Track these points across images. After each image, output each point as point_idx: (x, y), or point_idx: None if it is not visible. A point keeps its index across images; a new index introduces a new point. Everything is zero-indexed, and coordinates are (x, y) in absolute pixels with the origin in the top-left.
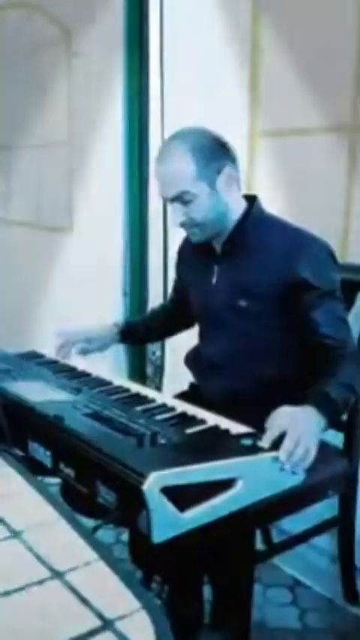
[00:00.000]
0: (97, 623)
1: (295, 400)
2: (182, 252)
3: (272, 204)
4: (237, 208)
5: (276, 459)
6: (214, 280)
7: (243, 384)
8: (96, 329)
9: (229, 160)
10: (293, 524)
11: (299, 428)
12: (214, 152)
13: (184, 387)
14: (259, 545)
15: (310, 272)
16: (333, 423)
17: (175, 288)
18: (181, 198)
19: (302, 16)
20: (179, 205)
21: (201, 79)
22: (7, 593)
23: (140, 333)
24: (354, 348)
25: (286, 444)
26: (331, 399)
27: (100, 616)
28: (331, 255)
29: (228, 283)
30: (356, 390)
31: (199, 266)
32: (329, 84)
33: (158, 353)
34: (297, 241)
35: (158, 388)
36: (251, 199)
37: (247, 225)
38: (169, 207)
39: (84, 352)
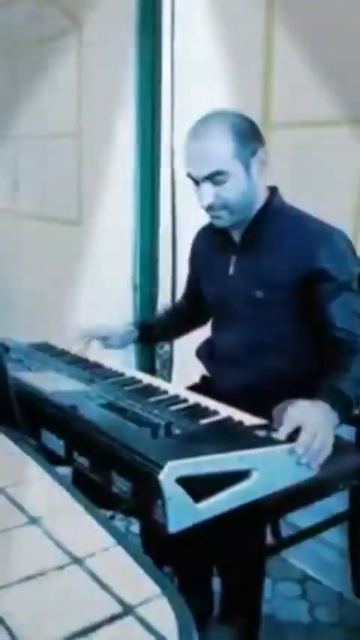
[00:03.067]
0: (118, 608)
1: (309, 393)
2: (196, 245)
3: (285, 196)
4: (262, 196)
5: (292, 451)
6: (230, 270)
7: (257, 376)
8: (115, 327)
9: (262, 144)
10: (303, 518)
11: (315, 422)
12: (251, 133)
13: (193, 380)
14: (269, 538)
15: (329, 263)
16: (346, 418)
17: (190, 285)
18: (214, 178)
19: (318, 6)
20: (210, 185)
21: (214, 68)
22: (27, 578)
23: (157, 334)
24: None
25: (304, 437)
26: (345, 395)
27: (120, 601)
28: (350, 247)
29: (245, 273)
30: None
31: (215, 257)
32: (345, 75)
33: (167, 347)
34: (317, 232)
35: (167, 382)
36: (272, 190)
37: (268, 215)
38: (197, 188)
39: (101, 348)
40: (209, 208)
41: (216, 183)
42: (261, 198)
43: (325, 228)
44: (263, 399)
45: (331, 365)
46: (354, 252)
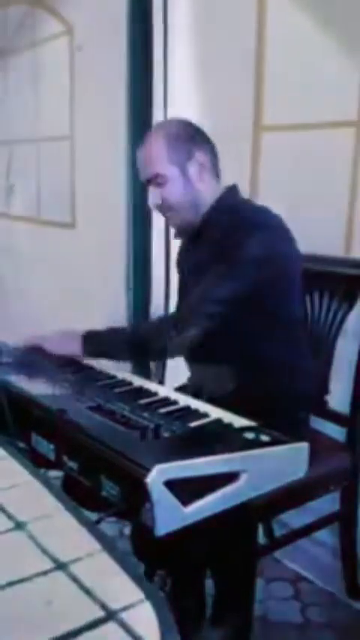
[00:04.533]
0: (100, 613)
1: (290, 380)
2: (179, 252)
3: (276, 199)
4: (209, 198)
5: (278, 452)
6: (187, 273)
7: (238, 369)
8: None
9: (202, 149)
10: (295, 518)
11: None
12: (185, 137)
13: (186, 380)
14: (261, 539)
15: (236, 240)
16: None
17: (179, 293)
18: (155, 181)
19: (308, 9)
20: (154, 188)
21: (205, 72)
22: (10, 584)
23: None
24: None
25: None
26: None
27: (103, 606)
28: (272, 238)
29: (195, 274)
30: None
31: (184, 261)
32: (335, 78)
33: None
34: (246, 222)
35: (161, 382)
36: (229, 189)
37: (215, 214)
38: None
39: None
40: (158, 209)
41: (158, 185)
42: (208, 198)
43: (256, 217)
44: (250, 395)
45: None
46: (275, 234)
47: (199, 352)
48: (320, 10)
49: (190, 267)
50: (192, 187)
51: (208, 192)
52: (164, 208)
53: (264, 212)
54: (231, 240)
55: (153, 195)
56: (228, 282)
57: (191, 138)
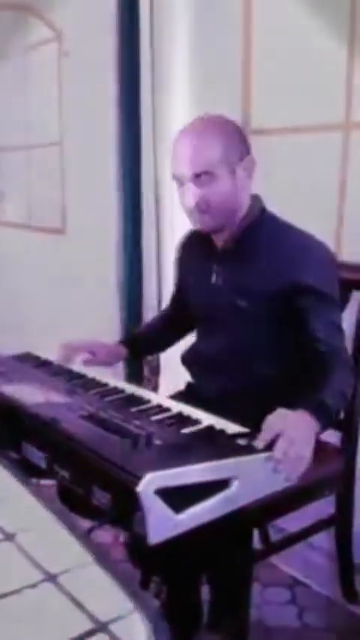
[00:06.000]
0: (90, 625)
1: (291, 401)
2: (180, 252)
3: (264, 203)
4: (245, 205)
5: (270, 458)
6: (213, 279)
7: (239, 384)
8: (102, 343)
9: (249, 153)
10: (291, 522)
11: (294, 431)
12: (240, 139)
13: (181, 387)
14: (257, 544)
15: (313, 276)
16: (325, 429)
17: (176, 294)
18: (200, 178)
19: (296, 12)
20: (194, 186)
21: (193, 77)
22: (1, 596)
23: (146, 348)
24: (347, 355)
25: (280, 444)
26: (327, 405)
27: (93, 619)
28: (333, 260)
29: (228, 283)
30: (347, 397)
31: (198, 265)
32: (322, 81)
33: (155, 354)
34: (302, 244)
35: (155, 389)
36: (256, 199)
37: (252, 224)
38: (182, 189)
39: (86, 364)
40: (192, 210)
41: (201, 185)
42: (244, 206)
43: (308, 241)
44: (246, 406)
45: (313, 377)
46: (335, 265)
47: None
48: (308, 10)
49: (219, 276)
50: (236, 191)
51: (245, 200)
52: (201, 209)
53: (309, 235)
54: (302, 269)
55: (192, 194)
56: (338, 321)
57: (244, 140)
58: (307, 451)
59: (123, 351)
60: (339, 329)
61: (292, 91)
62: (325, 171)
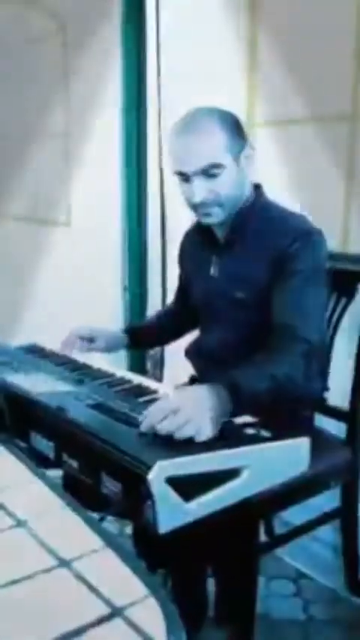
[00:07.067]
0: (106, 610)
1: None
2: (183, 246)
3: (270, 194)
4: (247, 194)
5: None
6: (212, 271)
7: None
8: (102, 329)
9: (247, 141)
10: (296, 515)
11: (183, 403)
12: (238, 127)
13: (184, 380)
14: (262, 536)
15: (297, 258)
16: (241, 409)
17: (180, 286)
18: (208, 172)
19: (302, 2)
20: (202, 181)
21: (199, 68)
22: (14, 582)
23: (148, 339)
24: (306, 336)
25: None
26: (239, 386)
27: (108, 603)
28: (324, 243)
29: (225, 274)
30: (280, 379)
31: (198, 257)
32: (329, 72)
33: (157, 347)
34: (296, 231)
35: (159, 380)
36: (256, 187)
37: (252, 213)
38: (187, 185)
39: (86, 349)
40: (201, 205)
41: (209, 178)
42: (246, 195)
43: (304, 226)
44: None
45: (256, 353)
46: (324, 248)
47: (217, 353)
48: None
49: (218, 267)
50: (241, 180)
51: (247, 189)
52: (212, 203)
53: (307, 222)
54: (291, 244)
55: (201, 189)
56: (311, 303)
57: (241, 128)
58: (191, 423)
59: (123, 339)
60: (307, 310)
61: (298, 82)
62: (332, 163)
